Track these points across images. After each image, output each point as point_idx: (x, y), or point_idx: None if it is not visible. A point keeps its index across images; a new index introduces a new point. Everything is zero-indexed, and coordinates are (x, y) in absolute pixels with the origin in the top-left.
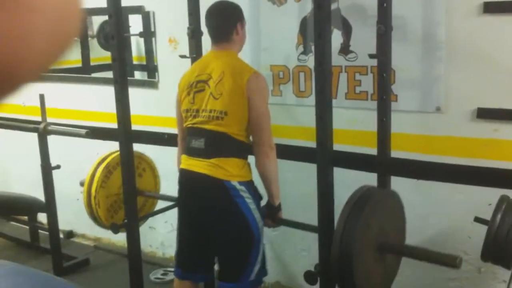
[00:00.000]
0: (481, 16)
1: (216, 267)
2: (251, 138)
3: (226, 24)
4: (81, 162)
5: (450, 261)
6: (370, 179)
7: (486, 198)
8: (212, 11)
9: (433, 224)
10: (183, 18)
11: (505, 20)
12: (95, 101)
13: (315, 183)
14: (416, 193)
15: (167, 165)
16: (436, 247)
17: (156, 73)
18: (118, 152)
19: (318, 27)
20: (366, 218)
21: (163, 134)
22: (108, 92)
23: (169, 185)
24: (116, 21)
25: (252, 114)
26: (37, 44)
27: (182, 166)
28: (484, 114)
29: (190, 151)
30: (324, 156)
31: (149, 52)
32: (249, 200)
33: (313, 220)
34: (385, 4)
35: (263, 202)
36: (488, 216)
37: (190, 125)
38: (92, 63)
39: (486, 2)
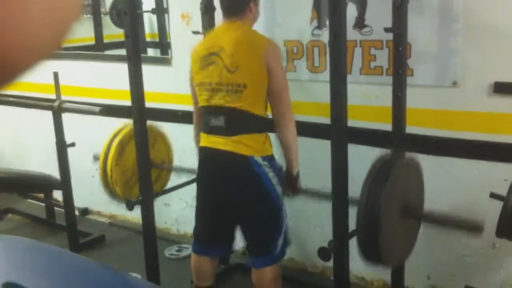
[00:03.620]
0: None
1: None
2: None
3: (240, 1)
4: (96, 139)
5: (472, 226)
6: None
7: (502, 173)
8: None
9: (447, 200)
10: None
11: None
12: (108, 79)
13: (329, 161)
14: (430, 169)
15: (181, 142)
16: (450, 218)
17: (169, 50)
18: (131, 126)
19: (333, 0)
20: (391, 182)
21: (177, 111)
22: (121, 70)
23: (184, 161)
24: None
25: (273, 82)
26: (35, 31)
27: (203, 144)
28: (501, 88)
29: (210, 130)
30: (339, 132)
31: (162, 28)
32: (272, 175)
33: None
34: None
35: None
36: (504, 192)
37: (207, 105)
38: (105, 41)
39: None
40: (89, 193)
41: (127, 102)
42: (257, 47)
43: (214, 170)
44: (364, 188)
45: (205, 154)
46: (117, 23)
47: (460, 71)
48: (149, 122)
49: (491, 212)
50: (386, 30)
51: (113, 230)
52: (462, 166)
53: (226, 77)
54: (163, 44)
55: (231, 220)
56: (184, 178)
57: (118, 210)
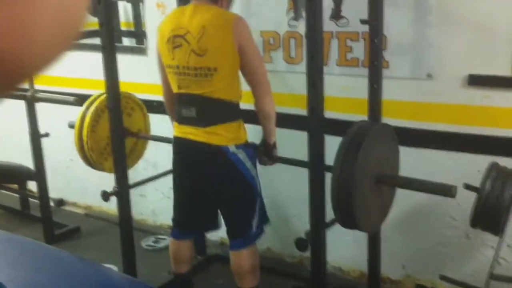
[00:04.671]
0: None
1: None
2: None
3: None
4: (70, 129)
5: (445, 190)
6: None
7: (476, 165)
8: None
9: (419, 193)
10: None
11: None
12: (83, 68)
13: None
14: (405, 160)
15: (157, 132)
16: (424, 213)
17: (145, 39)
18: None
19: None
20: (364, 149)
21: (152, 101)
22: (97, 59)
23: (161, 153)
24: None
25: (246, 60)
26: (43, 32)
27: (176, 134)
28: (475, 80)
29: (182, 120)
30: (315, 123)
31: (137, 17)
32: (246, 159)
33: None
34: None
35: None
36: (477, 183)
37: (178, 92)
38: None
39: None
40: (65, 183)
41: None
42: (225, 28)
43: (188, 159)
44: (337, 156)
45: (179, 144)
46: (92, 12)
47: (435, 64)
48: (126, 91)
49: (465, 203)
50: (362, 22)
51: (89, 221)
52: (436, 157)
53: (195, 61)
54: (139, 34)
55: (208, 205)
56: (160, 169)
57: (94, 201)
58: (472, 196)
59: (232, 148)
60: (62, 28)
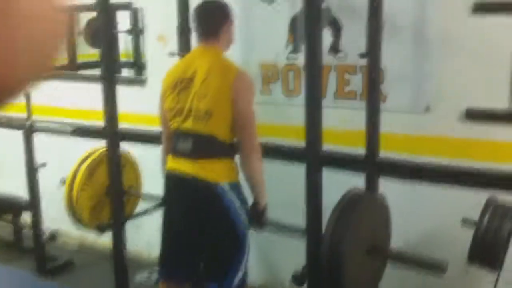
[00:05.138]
0: (471, 16)
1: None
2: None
3: (214, 22)
4: (68, 159)
5: (437, 266)
6: (353, 179)
7: (473, 199)
8: (200, 9)
9: (418, 225)
10: (173, 15)
11: (495, 20)
12: (82, 99)
13: (298, 185)
14: (401, 194)
15: (151, 164)
16: (421, 249)
17: (145, 71)
18: (100, 151)
19: (309, 25)
20: (355, 222)
21: (152, 132)
22: (95, 90)
23: (157, 185)
24: (105, 17)
25: (236, 114)
26: (21, 58)
27: (168, 167)
28: (473, 114)
29: (176, 152)
30: (314, 156)
31: (137, 49)
32: (237, 205)
33: (299, 221)
34: (375, 3)
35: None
36: (474, 218)
37: (175, 128)
38: (79, 61)
39: (476, 2)
40: (59, 213)
41: (101, 122)
42: (226, 76)
43: (177, 194)
44: (328, 226)
45: (170, 177)
46: (91, 43)
47: (432, 97)
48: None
49: (462, 238)
50: (361, 56)
51: (83, 254)
52: (432, 191)
53: (196, 103)
54: (138, 65)
55: (195, 243)
56: (156, 201)
57: (88, 233)
58: (469, 231)
59: (225, 187)
60: (40, 53)
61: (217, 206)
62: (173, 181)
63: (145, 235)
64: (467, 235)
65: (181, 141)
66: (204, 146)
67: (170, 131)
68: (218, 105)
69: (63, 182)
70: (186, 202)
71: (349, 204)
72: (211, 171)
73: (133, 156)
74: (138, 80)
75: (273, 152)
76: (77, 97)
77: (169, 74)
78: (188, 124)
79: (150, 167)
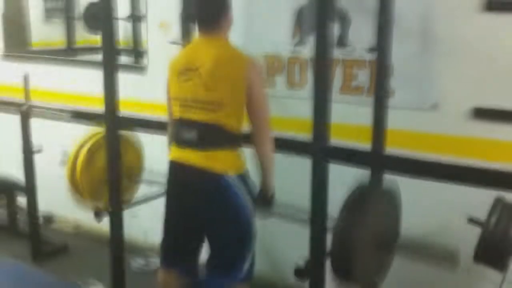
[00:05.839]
0: (481, 14)
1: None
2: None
3: (215, 10)
4: (65, 144)
5: (449, 258)
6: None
7: (479, 199)
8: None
9: (422, 223)
10: (175, 2)
11: (506, 18)
12: (80, 84)
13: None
14: (406, 191)
15: (153, 152)
16: (423, 245)
17: (146, 58)
18: (101, 133)
19: (320, 16)
20: (366, 214)
21: (151, 120)
22: (93, 75)
23: (156, 173)
24: (106, 3)
25: (251, 104)
26: None
27: (172, 158)
28: (480, 113)
29: (181, 142)
30: (320, 150)
31: (136, 36)
32: (244, 195)
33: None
34: None
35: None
36: (479, 217)
37: (179, 116)
38: (77, 45)
39: (486, 0)
40: (55, 198)
41: (98, 109)
42: (237, 65)
43: (184, 186)
44: (339, 218)
45: (175, 168)
46: (90, 28)
47: (440, 95)
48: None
49: (466, 237)
50: (370, 50)
51: (78, 238)
52: (440, 189)
53: (203, 95)
54: (137, 52)
55: (200, 236)
56: (155, 189)
57: (84, 217)
58: (472, 230)
59: (231, 179)
60: None
61: (223, 197)
62: (177, 170)
63: (143, 223)
64: (472, 233)
65: (186, 130)
66: (210, 136)
67: (174, 121)
68: (230, 95)
69: (64, 162)
70: (190, 192)
71: (360, 196)
72: (218, 162)
73: (137, 138)
74: (138, 67)
75: (278, 144)
76: (76, 82)
77: (174, 62)
78: (194, 114)
79: (153, 155)
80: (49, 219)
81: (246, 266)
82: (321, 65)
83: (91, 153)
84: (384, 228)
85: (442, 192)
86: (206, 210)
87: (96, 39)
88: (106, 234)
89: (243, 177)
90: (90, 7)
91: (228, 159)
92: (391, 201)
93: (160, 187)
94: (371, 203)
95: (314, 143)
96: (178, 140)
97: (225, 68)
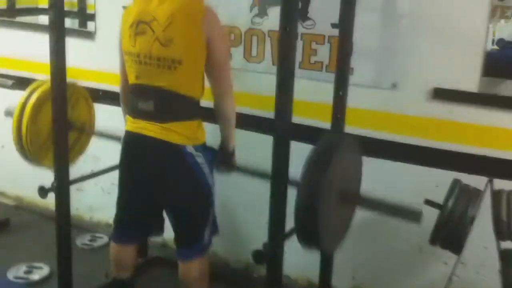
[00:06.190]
0: None
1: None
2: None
3: None
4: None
5: (411, 215)
6: None
7: (435, 180)
8: None
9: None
10: None
11: None
12: (22, 49)
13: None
14: (366, 170)
15: (102, 124)
16: (378, 224)
17: (94, 23)
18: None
19: None
20: (332, 166)
21: (97, 90)
22: (37, 39)
23: (104, 145)
24: None
25: (213, 55)
26: None
27: (128, 128)
28: (440, 94)
29: (137, 113)
30: (283, 129)
31: None
32: (204, 165)
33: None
34: None
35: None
36: (435, 198)
37: (135, 82)
38: (18, 6)
39: None
40: None
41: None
42: (195, 18)
43: (139, 156)
44: (305, 172)
45: (131, 139)
46: None
47: (400, 74)
48: (71, 80)
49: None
50: (333, 26)
51: (19, 213)
52: (397, 169)
53: (158, 51)
54: (83, 15)
55: (156, 207)
56: (102, 164)
57: (25, 191)
58: (427, 211)
59: (190, 149)
60: None
61: (182, 168)
62: (133, 142)
63: (88, 198)
64: (426, 215)
65: (142, 100)
66: (169, 107)
67: (128, 87)
68: (189, 51)
69: (9, 113)
70: (148, 163)
71: (325, 149)
72: (178, 134)
73: (85, 90)
74: (86, 32)
75: (240, 121)
76: (18, 46)
77: (127, 12)
78: (150, 78)
79: (101, 126)
80: None
81: (207, 231)
82: (287, 37)
83: (40, 102)
84: (347, 184)
85: (399, 171)
86: (164, 180)
87: None
88: (49, 209)
89: (203, 148)
90: None
91: (187, 130)
92: (354, 152)
93: (106, 162)
94: (336, 152)
95: (278, 121)
96: (133, 111)
97: (180, 22)
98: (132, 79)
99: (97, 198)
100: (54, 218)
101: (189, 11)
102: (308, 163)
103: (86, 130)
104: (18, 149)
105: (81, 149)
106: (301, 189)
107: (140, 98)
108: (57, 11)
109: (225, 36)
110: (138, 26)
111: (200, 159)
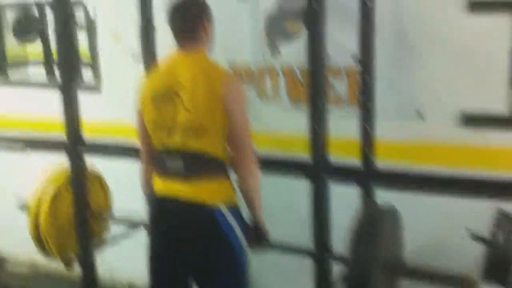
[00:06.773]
0: (466, 14)
1: None
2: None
3: (191, 22)
4: (17, 176)
5: (466, 282)
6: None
7: (475, 210)
8: (176, 9)
9: (417, 240)
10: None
11: (492, 19)
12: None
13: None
14: (401, 205)
15: (120, 181)
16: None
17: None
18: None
19: (309, 22)
20: (377, 242)
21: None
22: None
23: (123, 204)
24: (60, 12)
25: (232, 125)
26: None
27: (157, 189)
28: (468, 119)
29: (165, 172)
30: (321, 170)
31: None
32: (238, 230)
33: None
34: (368, 4)
35: None
36: (478, 229)
37: (160, 144)
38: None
39: (470, 1)
40: (9, 238)
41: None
42: (214, 83)
43: (171, 222)
44: (351, 247)
45: (160, 202)
46: (21, 39)
47: (424, 101)
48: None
49: (464, 252)
50: (354, 59)
51: (35, 280)
52: (434, 203)
53: (184, 117)
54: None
55: (188, 275)
56: (123, 227)
57: (40, 257)
58: (469, 244)
59: (223, 210)
60: None
61: (215, 233)
62: (162, 205)
63: (108, 259)
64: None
65: (170, 159)
66: (197, 164)
67: (152, 148)
68: (209, 118)
69: (23, 207)
70: (179, 229)
71: (368, 220)
72: (207, 191)
73: (97, 169)
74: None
75: (271, 165)
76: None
77: (146, 84)
78: (177, 141)
79: (118, 185)
80: (1, 262)
81: None
82: (315, 76)
83: (55, 195)
84: (393, 252)
85: (435, 205)
86: (195, 247)
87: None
88: (63, 273)
89: (236, 208)
90: (21, 17)
91: (218, 189)
92: (396, 222)
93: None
94: (381, 227)
95: (315, 164)
96: (161, 170)
97: (202, 86)
98: (159, 144)
99: (117, 260)
100: None
101: (209, 74)
102: (355, 239)
103: (104, 215)
104: (40, 249)
105: (99, 234)
106: (352, 267)
107: (168, 158)
108: (66, 64)
109: (245, 109)
110: (166, 94)
111: (233, 222)
